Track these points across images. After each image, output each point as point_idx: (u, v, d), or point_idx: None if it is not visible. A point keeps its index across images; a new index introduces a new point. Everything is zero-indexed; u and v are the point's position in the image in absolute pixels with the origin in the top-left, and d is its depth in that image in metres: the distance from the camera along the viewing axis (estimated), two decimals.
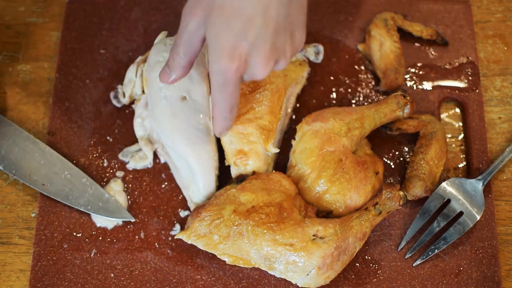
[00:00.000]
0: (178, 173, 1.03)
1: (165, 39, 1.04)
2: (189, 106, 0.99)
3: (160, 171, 1.06)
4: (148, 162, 1.05)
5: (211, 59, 0.83)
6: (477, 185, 1.02)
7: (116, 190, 1.04)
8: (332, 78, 1.12)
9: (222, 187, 1.01)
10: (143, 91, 1.06)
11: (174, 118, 0.99)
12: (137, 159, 1.06)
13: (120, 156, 1.06)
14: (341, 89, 1.12)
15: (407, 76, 1.13)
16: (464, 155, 1.08)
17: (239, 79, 0.84)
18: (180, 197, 1.04)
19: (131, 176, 1.06)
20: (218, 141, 1.01)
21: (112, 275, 0.99)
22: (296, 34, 0.87)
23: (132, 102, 1.08)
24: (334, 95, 1.11)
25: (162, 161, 1.05)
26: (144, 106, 1.04)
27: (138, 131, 1.05)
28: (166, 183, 1.05)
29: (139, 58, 1.07)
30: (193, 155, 0.99)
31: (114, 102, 1.08)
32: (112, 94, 1.08)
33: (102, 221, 1.02)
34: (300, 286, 0.95)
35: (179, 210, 1.04)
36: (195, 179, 1.00)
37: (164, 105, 0.99)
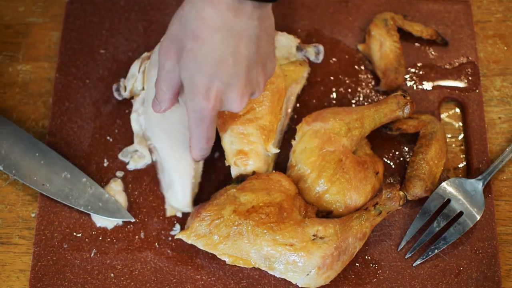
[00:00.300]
0: (162, 173, 1.03)
1: None
2: (180, 110, 0.99)
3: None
4: (147, 160, 1.05)
5: (187, 97, 0.86)
6: (477, 185, 1.02)
7: (116, 190, 1.04)
8: (332, 78, 1.12)
9: (219, 189, 1.01)
10: (143, 87, 1.06)
11: (163, 120, 1.00)
12: (136, 158, 1.06)
13: (120, 157, 1.06)
14: (341, 89, 1.12)
15: (407, 76, 1.13)
16: (464, 155, 1.08)
17: (215, 116, 0.87)
18: None
19: (131, 176, 1.06)
20: None
21: (112, 275, 0.99)
22: (268, 64, 0.89)
23: (132, 97, 1.08)
24: (334, 95, 1.11)
25: (154, 159, 1.05)
26: (142, 102, 1.05)
27: (134, 125, 1.06)
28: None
29: (145, 54, 1.07)
30: (173, 160, 1.00)
31: (116, 94, 1.08)
32: (114, 87, 1.08)
33: (102, 221, 1.02)
34: (300, 286, 0.95)
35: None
36: (173, 183, 1.01)
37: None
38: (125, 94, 1.08)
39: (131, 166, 1.06)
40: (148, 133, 1.04)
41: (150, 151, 1.05)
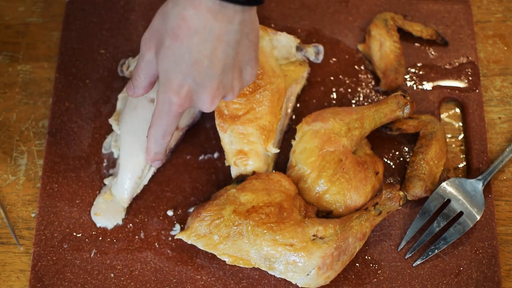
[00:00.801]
0: (118, 157, 1.05)
1: None
2: (151, 110, 1.00)
3: (160, 171, 1.06)
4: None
5: (160, 89, 0.87)
6: (477, 185, 1.02)
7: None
8: (332, 78, 1.12)
9: (219, 189, 1.01)
10: None
11: (134, 112, 1.01)
12: (114, 144, 1.06)
13: (104, 151, 1.07)
14: (341, 89, 1.12)
15: (407, 76, 1.13)
16: (464, 155, 1.08)
17: (180, 113, 0.88)
18: (180, 197, 1.04)
19: None
20: None
21: (112, 275, 0.99)
22: (247, 69, 0.89)
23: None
24: (334, 95, 1.11)
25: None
26: None
27: (119, 105, 1.07)
28: (166, 184, 1.05)
29: None
30: (128, 152, 1.01)
31: (119, 70, 1.09)
32: (121, 61, 1.09)
33: (102, 221, 1.02)
34: (300, 286, 0.95)
35: (179, 210, 1.04)
36: (120, 173, 1.01)
37: (133, 99, 1.02)
38: (126, 73, 1.08)
39: (116, 154, 1.06)
40: (120, 117, 1.05)
41: None
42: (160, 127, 0.91)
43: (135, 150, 1.00)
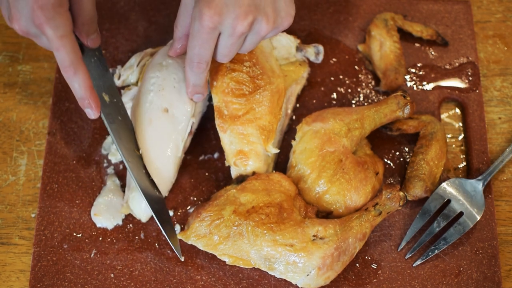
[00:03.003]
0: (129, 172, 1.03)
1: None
2: (167, 119, 1.00)
3: None
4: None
5: (194, 6, 0.87)
6: (477, 185, 1.02)
7: (115, 189, 1.04)
8: (332, 78, 1.12)
9: (219, 189, 1.01)
10: (137, 82, 1.06)
11: (150, 126, 1.00)
12: (114, 151, 1.06)
13: (103, 151, 1.06)
14: (341, 89, 1.12)
15: (407, 76, 1.13)
16: (464, 156, 1.08)
17: (213, 29, 0.87)
18: (180, 197, 1.04)
19: None
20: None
21: (112, 275, 0.99)
22: (281, 3, 0.89)
23: (123, 87, 1.08)
24: (334, 95, 1.11)
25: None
26: (132, 97, 1.04)
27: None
28: None
29: (149, 49, 1.08)
30: (137, 170, 0.99)
31: None
32: (110, 71, 1.08)
33: (102, 222, 1.02)
34: (300, 286, 0.95)
35: (179, 210, 1.04)
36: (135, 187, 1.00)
37: (147, 109, 1.00)
38: (117, 82, 1.07)
39: (112, 160, 1.06)
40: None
41: None
42: (193, 50, 0.90)
43: (164, 164, 1.00)
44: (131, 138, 1.00)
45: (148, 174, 0.99)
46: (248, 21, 0.86)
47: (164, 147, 1.00)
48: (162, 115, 0.99)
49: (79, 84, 0.90)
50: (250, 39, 0.91)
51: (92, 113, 0.93)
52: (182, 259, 0.99)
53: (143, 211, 1.00)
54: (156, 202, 0.99)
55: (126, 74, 1.06)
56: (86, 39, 0.94)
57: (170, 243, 0.98)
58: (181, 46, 0.98)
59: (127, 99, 1.05)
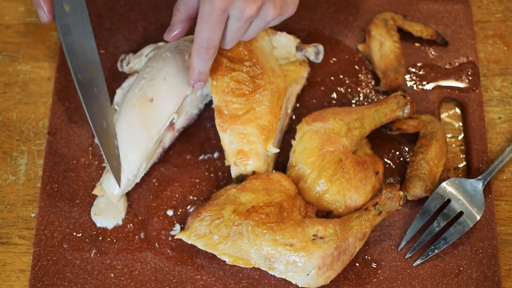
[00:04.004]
0: None
1: (185, 41, 1.06)
2: (149, 109, 1.00)
3: (160, 171, 1.06)
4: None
5: None
6: (477, 185, 1.02)
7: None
8: (332, 78, 1.12)
9: (219, 189, 1.01)
10: None
11: (132, 109, 1.00)
12: None
13: (96, 141, 1.07)
14: (341, 89, 1.12)
15: (407, 76, 1.13)
16: (464, 155, 1.08)
17: (224, 11, 0.87)
18: (180, 197, 1.04)
19: None
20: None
21: (112, 275, 0.99)
22: None
23: (129, 74, 1.09)
24: (334, 95, 1.11)
25: None
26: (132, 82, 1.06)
27: (116, 97, 1.06)
28: (166, 184, 1.05)
29: (162, 43, 1.09)
30: (123, 151, 0.99)
31: (118, 65, 1.10)
32: (121, 57, 1.09)
33: (102, 222, 1.02)
34: (300, 286, 0.95)
35: (179, 210, 1.04)
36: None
37: (134, 94, 1.01)
38: (125, 69, 1.09)
39: None
40: (117, 113, 1.03)
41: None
42: (203, 34, 0.89)
43: (131, 148, 1.00)
44: (90, 57, 0.97)
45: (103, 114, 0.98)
46: (257, 5, 0.87)
47: (136, 133, 1.00)
48: (146, 103, 1.00)
49: None
50: (255, 24, 0.91)
51: (45, 16, 0.92)
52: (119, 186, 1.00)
53: (115, 190, 1.00)
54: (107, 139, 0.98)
55: (133, 62, 1.08)
56: None
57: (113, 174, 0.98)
58: (180, 31, 0.96)
59: (127, 84, 1.07)
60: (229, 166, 1.04)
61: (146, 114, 1.00)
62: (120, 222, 1.03)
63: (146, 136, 1.00)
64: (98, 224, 1.02)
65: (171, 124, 1.03)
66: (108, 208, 1.02)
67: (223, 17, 0.87)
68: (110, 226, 1.02)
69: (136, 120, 1.00)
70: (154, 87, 1.00)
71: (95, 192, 1.01)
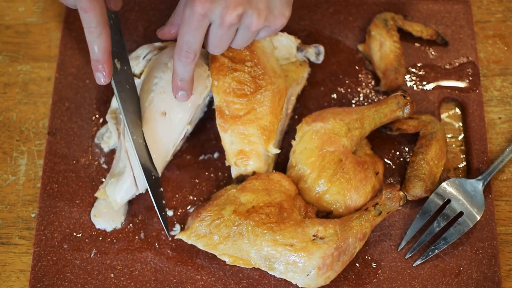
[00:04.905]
0: (117, 161, 1.03)
1: None
2: (163, 123, 1.00)
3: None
4: (115, 138, 1.04)
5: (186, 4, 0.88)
6: (477, 185, 1.02)
7: None
8: (332, 78, 1.12)
9: (219, 189, 1.01)
10: (141, 74, 1.06)
11: (145, 125, 1.00)
12: (106, 140, 1.06)
13: (96, 141, 1.06)
14: (341, 89, 1.12)
15: (407, 76, 1.13)
16: (464, 155, 1.08)
17: (203, 16, 0.87)
18: (180, 197, 1.04)
19: None
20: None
21: (112, 275, 0.99)
22: (275, 2, 0.89)
23: None
24: (334, 95, 1.11)
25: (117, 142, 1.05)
26: None
27: (114, 103, 1.06)
28: (166, 184, 1.05)
29: (158, 43, 1.08)
30: (136, 164, 0.99)
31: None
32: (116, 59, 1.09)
33: (102, 224, 1.02)
34: (300, 286, 0.95)
35: (179, 210, 1.04)
36: (121, 179, 0.99)
37: (145, 109, 1.00)
38: None
39: (105, 148, 1.06)
40: (121, 117, 1.03)
41: (118, 132, 1.05)
42: (183, 37, 0.90)
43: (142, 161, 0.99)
44: (136, 109, 1.00)
45: (147, 148, 0.99)
46: (238, 12, 0.87)
47: (154, 149, 1.00)
48: (159, 117, 1.00)
49: (98, 47, 0.90)
50: (241, 33, 0.91)
51: (102, 78, 0.93)
52: (170, 238, 1.01)
53: (118, 197, 0.99)
54: (151, 175, 0.99)
55: (131, 64, 1.06)
56: (109, 1, 0.95)
57: (162, 223, 1.00)
58: (172, 32, 0.97)
59: None
60: (229, 166, 1.04)
61: (160, 129, 1.00)
62: (119, 226, 1.02)
63: (163, 151, 1.00)
64: (97, 226, 1.02)
65: (184, 135, 1.03)
66: (108, 211, 1.02)
67: (203, 22, 0.88)
68: (109, 228, 1.02)
69: (151, 136, 0.99)
70: (165, 100, 1.00)
71: (97, 194, 1.01)
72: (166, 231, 1.01)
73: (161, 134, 1.00)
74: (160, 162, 1.01)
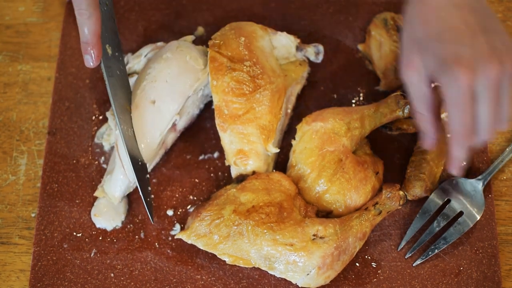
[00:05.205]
0: (112, 158, 1.04)
1: (185, 41, 1.06)
2: (152, 111, 1.00)
3: (160, 171, 1.06)
4: (114, 138, 1.05)
5: (442, 78, 0.83)
6: (477, 185, 1.02)
7: None
8: (332, 78, 1.12)
9: (219, 189, 1.01)
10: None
11: (135, 111, 1.00)
12: (106, 137, 1.06)
13: (96, 140, 1.07)
14: (341, 89, 1.12)
15: None
16: None
17: (426, 77, 0.85)
18: (180, 197, 1.04)
19: None
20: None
21: (112, 275, 0.99)
22: (496, 37, 0.82)
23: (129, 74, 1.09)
24: (334, 95, 1.11)
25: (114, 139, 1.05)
26: (132, 84, 1.05)
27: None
28: (166, 184, 1.05)
29: (161, 43, 1.08)
30: (125, 153, 0.99)
31: None
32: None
33: (102, 223, 1.02)
34: (300, 286, 0.95)
35: (179, 210, 1.04)
36: (115, 173, 1.00)
37: (137, 95, 1.01)
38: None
39: (106, 147, 1.06)
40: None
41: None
42: (459, 120, 0.83)
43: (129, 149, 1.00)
44: (126, 95, 1.01)
45: (134, 134, 1.00)
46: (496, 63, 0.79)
47: (140, 135, 1.00)
48: (149, 105, 1.00)
49: (88, 29, 0.90)
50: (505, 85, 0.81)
51: (91, 61, 0.93)
52: (153, 223, 1.02)
53: (115, 192, 1.00)
54: (138, 161, 1.00)
55: (133, 62, 1.07)
56: None
57: (146, 208, 0.99)
58: (434, 135, 0.89)
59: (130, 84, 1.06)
60: (229, 166, 1.04)
61: (149, 117, 1.00)
62: (120, 225, 1.02)
63: (150, 139, 1.00)
64: (98, 225, 1.02)
65: (173, 125, 1.03)
66: (109, 210, 1.02)
67: (425, 81, 0.84)
68: (109, 228, 1.02)
69: (139, 122, 1.00)
70: (156, 89, 1.00)
71: (96, 194, 1.01)
72: (150, 217, 1.00)
73: (149, 121, 1.00)
74: (147, 149, 1.01)
